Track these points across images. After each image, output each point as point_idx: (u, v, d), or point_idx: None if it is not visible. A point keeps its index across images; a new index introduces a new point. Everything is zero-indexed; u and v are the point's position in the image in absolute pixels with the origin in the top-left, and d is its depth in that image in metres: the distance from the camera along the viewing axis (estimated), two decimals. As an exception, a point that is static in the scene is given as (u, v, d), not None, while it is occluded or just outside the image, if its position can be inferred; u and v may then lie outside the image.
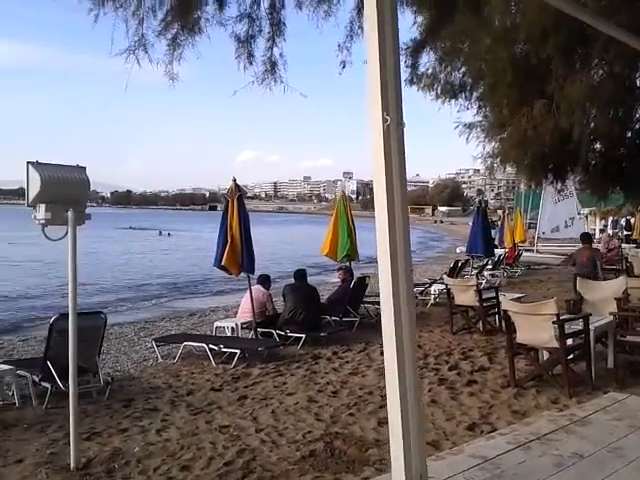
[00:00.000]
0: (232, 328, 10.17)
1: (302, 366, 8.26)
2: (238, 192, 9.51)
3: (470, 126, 10.62)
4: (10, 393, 7.07)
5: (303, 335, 9.46)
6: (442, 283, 13.04)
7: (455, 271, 15.53)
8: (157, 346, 9.38)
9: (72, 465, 4.85)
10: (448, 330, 10.39)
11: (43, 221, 4.69)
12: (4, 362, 8.08)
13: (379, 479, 4.04)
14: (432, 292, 14.03)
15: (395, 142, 2.63)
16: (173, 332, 11.58)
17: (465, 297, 10.50)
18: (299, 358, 8.77)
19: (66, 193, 4.73)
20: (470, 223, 19.78)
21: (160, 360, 9.05)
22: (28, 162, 4.67)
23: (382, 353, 8.21)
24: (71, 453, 4.89)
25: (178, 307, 16.85)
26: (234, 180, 9.56)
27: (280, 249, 36.17)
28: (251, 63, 6.60)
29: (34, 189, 4.62)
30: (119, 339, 10.84)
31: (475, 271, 16.46)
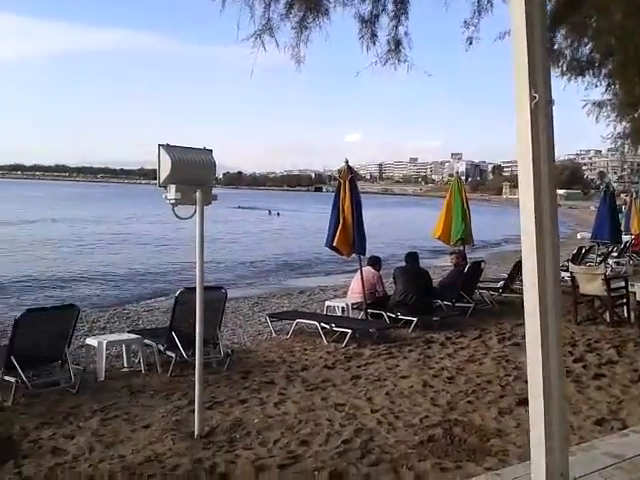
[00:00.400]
0: (342, 308, 10.24)
1: (414, 350, 8.14)
2: (350, 174, 9.49)
3: (600, 105, 9.94)
4: (136, 360, 7.53)
5: (415, 318, 9.32)
6: (564, 270, 12.37)
7: (579, 258, 14.69)
8: (271, 322, 9.62)
9: (196, 433, 5.06)
10: (571, 320, 9.83)
11: (173, 201, 4.87)
12: (131, 331, 8.63)
13: (507, 471, 3.88)
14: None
15: (543, 120, 2.47)
16: (284, 309, 11.86)
17: (591, 286, 9.86)
18: (411, 341, 8.65)
19: (194, 174, 4.89)
20: (593, 207, 18.62)
21: (274, 335, 9.29)
22: (159, 145, 4.84)
23: (499, 341, 7.96)
24: (195, 421, 5.10)
25: (289, 285, 17.25)
26: (346, 162, 9.54)
27: (387, 231, 35.81)
28: (374, 43, 6.49)
29: (165, 170, 4.80)
30: (235, 313, 11.23)
31: (599, 259, 15.47)
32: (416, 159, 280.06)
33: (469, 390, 6.29)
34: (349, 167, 9.52)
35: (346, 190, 9.35)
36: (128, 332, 8.48)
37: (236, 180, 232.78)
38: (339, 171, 9.75)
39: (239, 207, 69.88)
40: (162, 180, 4.80)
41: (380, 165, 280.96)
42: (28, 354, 6.32)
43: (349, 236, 9.36)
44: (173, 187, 4.80)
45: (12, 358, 6.13)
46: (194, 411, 5.53)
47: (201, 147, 5.06)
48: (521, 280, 10.72)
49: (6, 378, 6.13)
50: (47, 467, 4.44)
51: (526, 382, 6.42)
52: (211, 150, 5.06)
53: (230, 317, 10.66)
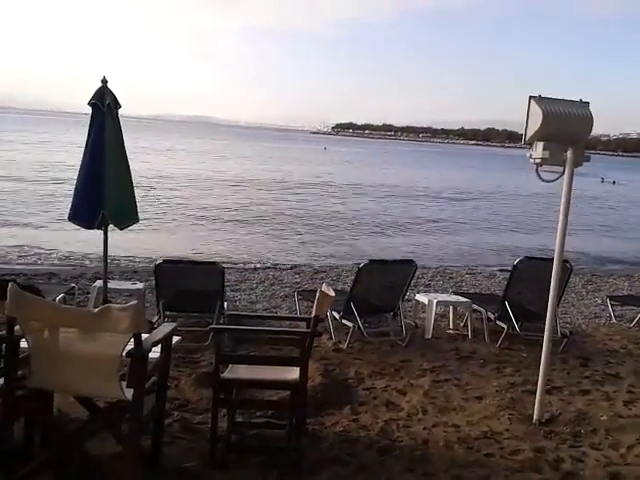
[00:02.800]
0: None
1: None
2: None
3: None
4: (461, 324, 7.32)
5: None
6: None
7: None
8: (611, 305, 8.48)
9: (535, 417, 4.59)
10: None
11: (539, 160, 4.36)
12: (457, 293, 8.42)
13: None
14: None
15: None
16: (625, 292, 10.44)
17: None
18: None
19: (567, 130, 4.27)
20: None
21: (613, 320, 8.20)
22: (530, 96, 4.34)
23: None
24: (535, 405, 4.62)
25: (627, 265, 15.26)
26: None
27: None
28: None
29: (534, 125, 4.27)
30: (566, 289, 10.23)
31: None
32: None
33: None
34: None
35: None
36: (454, 293, 8.31)
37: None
38: None
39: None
40: (529, 136, 4.29)
41: None
42: (365, 302, 6.59)
43: None
44: (540, 145, 4.26)
45: (351, 304, 6.44)
46: (530, 392, 5.11)
47: (576, 100, 4.38)
48: None
49: (344, 322, 6.48)
50: (383, 420, 4.47)
51: None
52: (588, 103, 4.35)
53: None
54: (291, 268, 11.09)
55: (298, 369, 3.70)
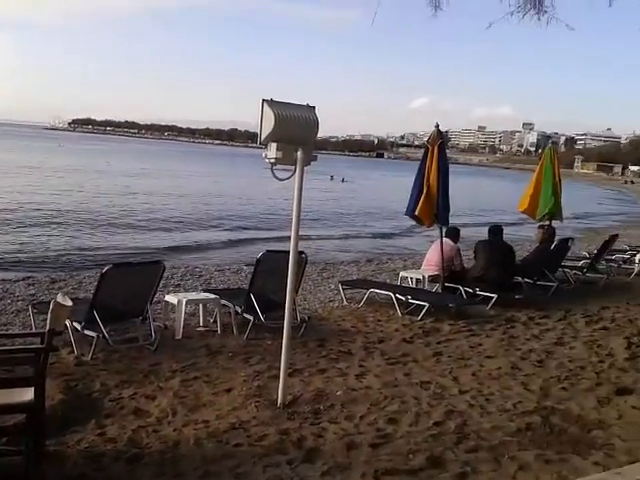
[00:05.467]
0: (417, 280, 9.89)
1: (497, 329, 7.75)
2: (440, 139, 9.00)
3: None
4: (211, 320, 7.47)
5: (494, 295, 8.87)
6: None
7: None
8: (343, 289, 9.39)
9: (279, 401, 4.90)
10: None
11: (273, 160, 4.62)
12: (207, 290, 8.56)
13: (630, 469, 3.54)
14: (637, 261, 12.58)
15: None
16: (354, 277, 11.62)
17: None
18: (491, 319, 8.25)
19: (297, 132, 4.61)
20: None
21: (345, 303, 9.07)
22: (263, 100, 4.58)
23: (587, 324, 7.50)
24: (279, 389, 4.93)
25: (355, 253, 16.95)
26: (437, 126, 9.03)
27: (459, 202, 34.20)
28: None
29: (267, 127, 4.53)
30: (304, 278, 11.03)
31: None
32: (484, 128, 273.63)
33: (562, 376, 5.92)
34: (439, 132, 9.01)
35: (434, 157, 8.86)
36: (204, 291, 8.42)
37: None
38: (429, 136, 9.22)
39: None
40: (264, 137, 4.54)
41: (446, 132, 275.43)
42: (110, 309, 6.30)
43: (432, 206, 8.92)
44: (274, 145, 4.54)
45: (94, 312, 6.11)
46: (274, 377, 5.41)
47: (304, 104, 4.75)
48: (607, 260, 10.09)
49: (87, 332, 6.11)
50: (131, 429, 4.35)
51: (621, 370, 6.02)
52: (314, 107, 4.75)
53: (300, 282, 10.48)
54: (23, 279, 10.07)
55: (32, 389, 3.43)
